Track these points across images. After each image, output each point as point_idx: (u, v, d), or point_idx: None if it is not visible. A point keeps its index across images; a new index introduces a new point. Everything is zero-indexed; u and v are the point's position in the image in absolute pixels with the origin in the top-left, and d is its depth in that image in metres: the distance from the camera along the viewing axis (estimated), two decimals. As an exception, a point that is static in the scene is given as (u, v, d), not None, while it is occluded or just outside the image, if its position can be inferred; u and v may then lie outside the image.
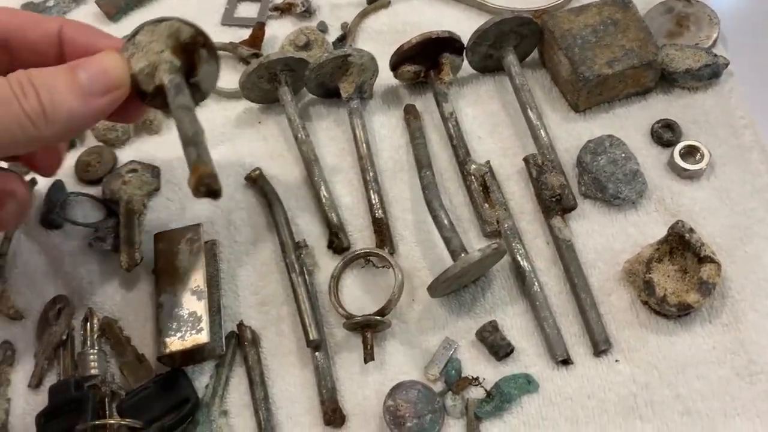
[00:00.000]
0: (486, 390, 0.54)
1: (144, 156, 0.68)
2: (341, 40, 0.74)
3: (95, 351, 0.58)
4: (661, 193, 0.61)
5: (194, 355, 0.57)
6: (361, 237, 0.62)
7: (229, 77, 0.72)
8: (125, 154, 0.69)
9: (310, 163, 0.64)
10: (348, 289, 0.60)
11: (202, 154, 0.42)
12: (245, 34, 0.74)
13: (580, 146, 0.62)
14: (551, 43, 0.65)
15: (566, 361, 0.55)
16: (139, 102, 0.48)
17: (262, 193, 0.64)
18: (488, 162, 0.63)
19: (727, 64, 0.64)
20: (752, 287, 0.56)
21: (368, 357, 0.55)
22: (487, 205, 0.61)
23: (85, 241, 0.63)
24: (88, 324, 0.60)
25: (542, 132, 0.63)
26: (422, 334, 0.57)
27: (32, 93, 0.41)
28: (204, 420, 0.55)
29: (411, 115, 0.66)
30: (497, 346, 0.55)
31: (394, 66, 0.66)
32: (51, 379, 0.58)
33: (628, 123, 0.64)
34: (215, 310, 0.59)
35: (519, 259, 0.58)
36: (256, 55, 0.72)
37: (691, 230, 0.54)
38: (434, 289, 0.56)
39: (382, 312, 0.56)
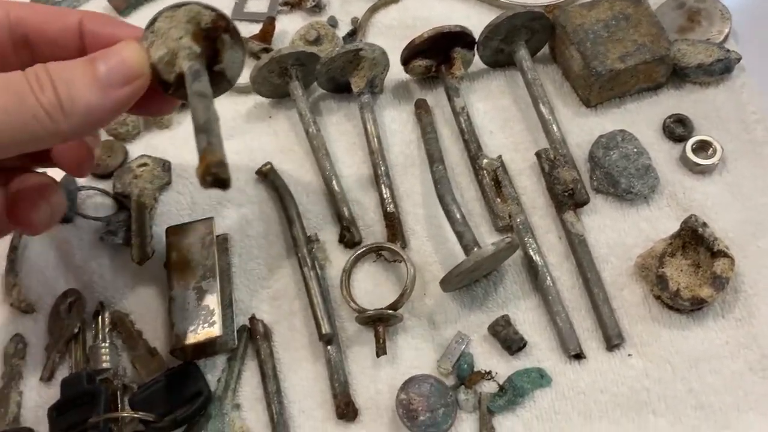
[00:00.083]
0: (499, 384, 0.54)
1: (154, 150, 0.68)
2: (351, 34, 0.74)
3: (107, 344, 0.58)
4: (673, 188, 0.61)
5: (206, 348, 0.57)
6: (372, 231, 0.62)
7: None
8: (136, 149, 0.69)
9: (321, 157, 0.64)
10: (359, 284, 0.60)
11: (213, 141, 0.40)
12: (255, 28, 0.74)
13: (591, 141, 0.62)
14: (563, 38, 0.65)
15: (579, 356, 0.55)
16: (164, 93, 0.46)
17: (273, 187, 0.64)
18: (500, 156, 0.63)
19: (739, 59, 0.64)
20: (765, 282, 0.56)
21: (380, 351, 0.55)
22: (499, 199, 0.61)
23: (97, 235, 0.63)
24: (100, 317, 0.60)
25: (554, 127, 0.62)
26: (434, 329, 0.57)
27: (49, 86, 0.40)
28: (216, 413, 0.55)
29: (422, 109, 0.66)
30: (510, 341, 0.55)
31: (405, 60, 0.66)
32: (62, 373, 0.59)
33: (640, 118, 0.64)
34: (227, 303, 0.59)
35: (531, 253, 0.58)
36: (267, 50, 0.72)
37: (705, 225, 0.54)
38: (447, 284, 0.56)
39: (394, 306, 0.56)
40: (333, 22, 0.75)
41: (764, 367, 0.53)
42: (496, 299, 0.58)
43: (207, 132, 0.40)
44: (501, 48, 0.66)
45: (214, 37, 0.46)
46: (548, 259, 0.59)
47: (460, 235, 0.56)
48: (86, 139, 0.52)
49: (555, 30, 0.66)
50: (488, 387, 0.55)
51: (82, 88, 0.41)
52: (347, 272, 0.59)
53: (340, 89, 0.69)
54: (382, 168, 0.63)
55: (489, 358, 0.56)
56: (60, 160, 0.52)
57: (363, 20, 0.74)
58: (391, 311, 0.55)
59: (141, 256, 0.61)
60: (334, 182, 0.63)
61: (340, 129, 0.68)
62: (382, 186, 0.62)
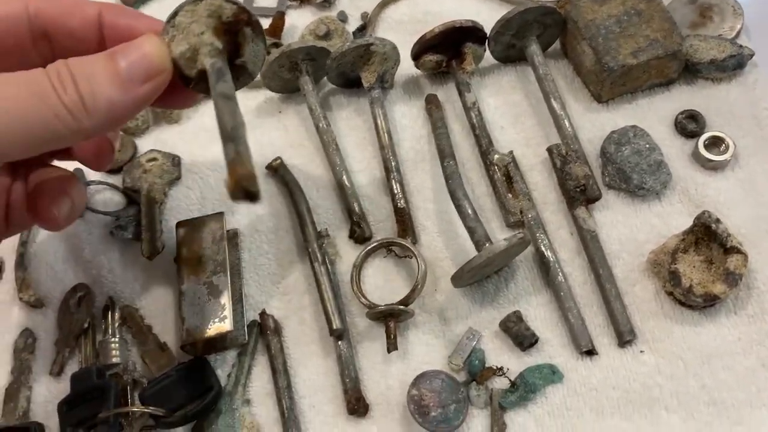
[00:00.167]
0: (510, 380, 0.54)
1: (164, 145, 0.68)
2: (361, 29, 0.74)
3: (116, 339, 0.58)
4: (685, 184, 0.60)
5: (217, 343, 0.57)
6: (382, 227, 0.62)
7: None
8: (145, 143, 0.69)
9: (331, 152, 0.64)
10: (370, 279, 0.60)
11: (242, 151, 0.39)
12: (265, 23, 0.74)
13: (603, 137, 0.62)
14: (574, 33, 0.65)
15: (591, 352, 0.55)
16: (185, 87, 0.46)
17: (283, 182, 0.64)
18: (511, 152, 0.63)
19: (751, 55, 0.64)
20: (778, 278, 0.56)
21: (391, 346, 0.54)
22: (510, 195, 0.61)
23: (107, 230, 0.63)
24: (110, 312, 0.60)
25: (566, 122, 0.62)
26: (445, 324, 0.57)
27: (71, 84, 0.40)
28: (227, 408, 0.55)
29: (433, 104, 0.66)
30: (522, 337, 0.55)
31: (416, 55, 0.66)
32: (72, 367, 0.59)
33: (651, 114, 0.64)
34: (237, 298, 0.59)
35: (543, 249, 0.58)
36: (277, 45, 0.72)
37: (718, 221, 0.54)
38: (458, 279, 0.56)
39: (405, 301, 0.56)
40: (343, 17, 0.75)
41: (777, 363, 0.53)
42: (507, 295, 0.58)
43: (235, 140, 0.39)
44: (512, 43, 0.66)
45: (236, 30, 0.45)
46: (560, 254, 0.59)
47: (471, 231, 0.56)
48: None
49: (566, 25, 0.66)
50: (500, 383, 0.54)
51: (103, 84, 0.40)
52: (358, 267, 0.59)
53: (351, 84, 0.69)
54: (393, 163, 0.63)
55: (500, 354, 0.56)
56: (79, 153, 0.52)
57: (373, 15, 0.74)
58: (402, 307, 0.55)
59: (151, 250, 0.61)
60: (344, 177, 0.63)
61: (351, 124, 0.68)
62: (393, 181, 0.62)
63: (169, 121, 0.70)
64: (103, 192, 0.66)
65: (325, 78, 0.69)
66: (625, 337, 0.54)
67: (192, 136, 0.68)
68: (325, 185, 0.64)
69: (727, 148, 0.60)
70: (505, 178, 0.61)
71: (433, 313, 0.58)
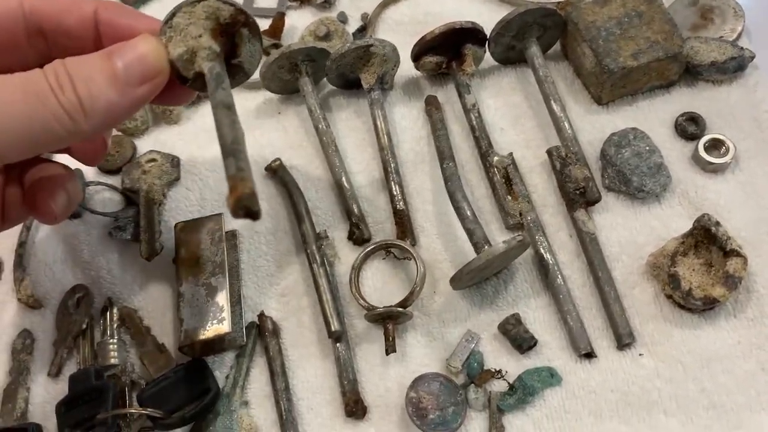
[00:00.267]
0: (509, 383, 0.54)
1: (163, 146, 0.68)
2: (361, 30, 0.74)
3: (115, 340, 0.58)
4: (685, 186, 0.60)
5: (215, 345, 0.56)
6: (381, 228, 0.62)
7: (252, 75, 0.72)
8: (144, 144, 0.69)
9: (330, 153, 0.64)
10: (368, 281, 0.60)
11: (242, 167, 0.38)
12: (265, 24, 0.74)
13: (603, 139, 0.62)
14: (575, 34, 0.64)
15: (589, 355, 0.55)
16: (182, 85, 0.46)
17: (282, 183, 0.64)
18: (511, 154, 0.63)
19: (752, 57, 0.64)
20: (778, 282, 0.56)
21: (390, 349, 0.54)
22: (509, 197, 0.61)
23: (105, 231, 0.63)
24: (108, 313, 0.60)
25: (566, 124, 0.62)
26: (444, 327, 0.57)
27: (68, 85, 0.40)
28: (225, 410, 0.55)
29: (432, 106, 0.66)
30: (520, 339, 0.55)
31: (416, 56, 0.66)
32: (70, 368, 0.58)
33: (652, 116, 0.64)
34: (236, 300, 0.59)
35: (542, 251, 0.58)
36: (276, 46, 0.72)
37: (718, 224, 0.54)
38: (457, 281, 0.55)
39: (403, 303, 0.56)
40: (343, 18, 0.74)
41: (777, 367, 0.53)
42: (506, 297, 0.58)
43: (235, 155, 0.39)
44: (512, 45, 0.66)
45: (233, 31, 0.45)
46: (559, 257, 0.59)
47: (470, 233, 0.56)
48: None
49: (567, 27, 0.65)
50: (498, 386, 0.54)
51: (101, 86, 0.40)
52: (356, 269, 0.59)
53: (350, 85, 0.69)
54: (392, 165, 0.63)
55: (499, 357, 0.56)
56: (73, 149, 0.52)
57: (373, 16, 0.74)
58: (400, 309, 0.55)
59: (149, 252, 0.60)
60: (343, 179, 0.63)
61: (350, 125, 0.68)
62: (392, 183, 0.62)
63: (169, 122, 0.70)
64: (102, 193, 0.66)
65: (325, 79, 0.69)
66: (624, 340, 0.54)
67: (191, 137, 0.68)
68: (325, 186, 0.64)
69: (727, 150, 0.60)
70: (505, 180, 0.61)
71: (431, 316, 0.58)
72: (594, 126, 0.64)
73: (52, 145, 0.41)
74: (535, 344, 0.55)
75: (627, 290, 0.57)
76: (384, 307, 0.55)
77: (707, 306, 0.54)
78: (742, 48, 0.64)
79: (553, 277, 0.57)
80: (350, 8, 0.75)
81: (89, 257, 0.63)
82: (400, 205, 0.61)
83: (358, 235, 0.61)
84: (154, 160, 0.66)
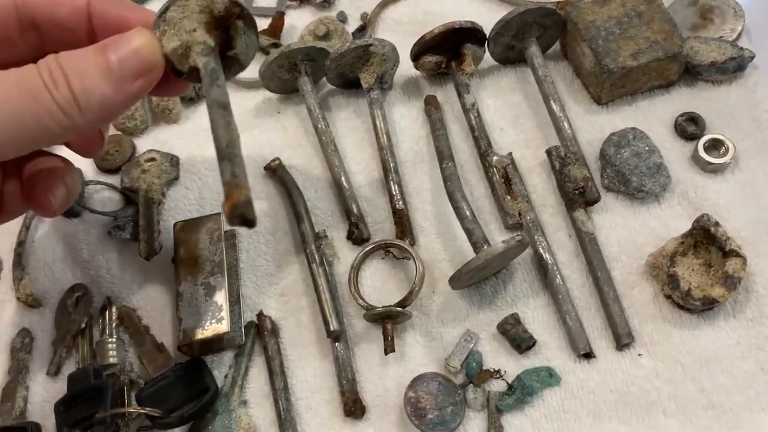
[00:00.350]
0: (507, 383, 0.54)
1: (162, 145, 0.68)
2: (361, 30, 0.74)
3: (114, 340, 0.58)
4: (684, 186, 0.60)
5: (214, 344, 0.56)
6: (380, 228, 0.62)
7: (248, 67, 0.72)
8: (144, 143, 0.69)
9: (329, 153, 0.64)
10: (367, 281, 0.60)
11: (237, 172, 0.38)
12: (264, 23, 0.74)
13: (602, 139, 0.62)
14: (574, 34, 0.64)
15: (588, 355, 0.54)
16: (177, 78, 0.45)
17: (281, 183, 0.64)
18: (510, 154, 0.62)
19: (752, 57, 0.64)
20: (777, 282, 0.56)
21: (388, 348, 0.54)
22: (509, 197, 0.60)
23: (104, 230, 0.63)
24: (107, 312, 0.60)
25: (565, 124, 0.62)
26: (443, 326, 0.57)
27: (62, 81, 0.39)
28: (223, 410, 0.55)
29: (432, 106, 0.66)
30: (519, 339, 0.55)
31: (416, 56, 0.66)
32: (69, 368, 0.58)
33: (651, 116, 0.64)
34: (235, 299, 0.58)
35: (541, 251, 0.58)
36: (276, 45, 0.72)
37: (717, 224, 0.54)
38: (456, 281, 0.55)
39: (402, 303, 0.56)
40: (342, 18, 0.74)
41: (776, 367, 0.53)
42: (505, 297, 0.58)
43: (231, 159, 0.38)
44: (512, 44, 0.66)
45: (228, 24, 0.44)
46: (558, 257, 0.58)
47: (469, 233, 0.56)
48: None
49: (566, 27, 0.65)
50: (497, 386, 0.54)
51: (96, 81, 0.40)
52: (355, 269, 0.59)
53: (350, 85, 0.69)
54: (392, 164, 0.63)
55: (498, 357, 0.55)
56: (70, 141, 0.52)
57: (372, 15, 0.74)
58: (399, 309, 0.55)
59: (148, 251, 0.60)
60: (342, 178, 0.63)
61: (349, 125, 0.68)
62: (391, 183, 0.62)
63: (168, 121, 0.70)
64: (101, 192, 0.66)
65: (324, 78, 0.69)
66: (623, 340, 0.54)
67: (190, 137, 0.68)
68: (324, 186, 0.64)
69: (727, 150, 0.60)
70: (504, 179, 0.61)
71: (430, 315, 0.58)
72: (593, 126, 0.64)
73: (47, 141, 0.41)
74: (534, 344, 0.55)
75: (626, 290, 0.57)
76: (383, 306, 0.55)
77: (706, 306, 0.54)
78: (741, 48, 0.63)
79: (552, 277, 0.57)
80: (350, 8, 0.75)
81: (88, 256, 0.62)
82: (399, 205, 0.61)
83: (357, 234, 0.61)
84: (153, 159, 0.66)
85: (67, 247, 0.63)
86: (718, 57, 0.63)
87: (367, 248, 0.60)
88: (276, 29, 0.73)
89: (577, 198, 0.59)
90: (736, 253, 0.53)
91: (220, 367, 0.57)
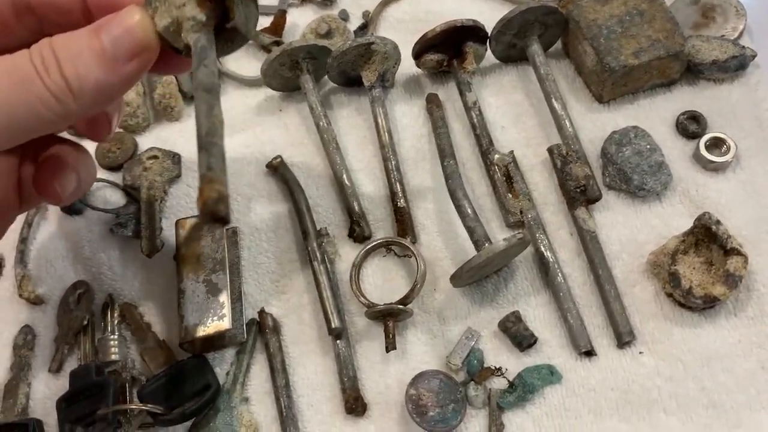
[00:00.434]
0: (508, 380, 0.54)
1: (164, 143, 0.68)
2: (363, 28, 0.74)
3: (116, 337, 0.58)
4: (686, 185, 0.60)
5: (215, 341, 0.56)
6: (382, 226, 0.62)
7: (250, 65, 0.72)
8: (146, 141, 0.69)
9: (331, 151, 0.64)
10: (369, 278, 0.60)
11: (213, 164, 0.35)
12: (266, 21, 0.74)
13: (604, 137, 0.62)
14: (576, 33, 0.64)
15: (589, 353, 0.55)
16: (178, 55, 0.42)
17: (283, 180, 0.64)
18: (512, 152, 0.63)
19: (754, 56, 0.64)
20: (779, 280, 0.56)
21: (390, 346, 0.54)
22: (510, 195, 0.61)
23: (106, 227, 0.63)
24: (109, 310, 0.60)
25: (567, 122, 0.62)
26: (444, 324, 0.57)
27: (54, 67, 0.38)
28: (225, 407, 0.55)
29: (433, 104, 0.66)
30: (520, 337, 0.55)
31: (417, 54, 0.66)
32: (71, 364, 0.59)
33: (653, 114, 0.64)
34: (236, 297, 0.59)
35: (542, 249, 0.58)
36: (278, 43, 0.72)
37: (718, 222, 0.54)
38: (457, 279, 0.55)
39: (404, 301, 0.56)
40: (344, 16, 0.75)
41: (777, 366, 0.53)
42: (506, 295, 0.58)
43: (208, 149, 0.36)
44: (513, 43, 0.66)
45: None
46: (559, 255, 0.59)
47: (471, 231, 0.56)
48: None
49: (568, 25, 0.65)
50: (498, 383, 0.54)
51: (89, 65, 0.39)
52: (357, 267, 0.59)
53: (351, 83, 0.69)
54: (393, 162, 0.63)
55: (499, 355, 0.56)
56: (77, 125, 0.51)
57: (374, 14, 0.74)
58: (400, 306, 0.55)
59: (150, 248, 0.61)
60: (344, 176, 0.63)
61: (351, 123, 0.68)
62: (393, 180, 0.62)
63: (170, 119, 0.70)
64: (104, 189, 0.66)
65: (326, 76, 0.69)
66: (624, 338, 0.54)
67: (192, 134, 0.66)
68: (325, 184, 0.64)
69: (728, 149, 0.60)
70: (506, 178, 0.61)
71: (432, 313, 0.58)
72: (595, 124, 0.64)
73: (42, 129, 0.40)
74: (535, 342, 0.55)
75: (627, 288, 0.57)
76: (384, 304, 0.55)
77: (707, 304, 0.54)
78: (743, 47, 0.63)
79: (553, 275, 0.57)
80: (351, 6, 0.76)
81: (90, 254, 0.63)
82: (401, 203, 0.61)
83: (358, 232, 0.61)
84: (155, 157, 0.66)
85: (70, 245, 0.63)
86: (720, 56, 0.63)
87: (369, 246, 0.60)
88: (278, 27, 0.73)
89: (578, 196, 0.59)
90: (737, 252, 0.53)
91: (222, 364, 0.57)
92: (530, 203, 0.60)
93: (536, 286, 0.58)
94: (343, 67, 0.66)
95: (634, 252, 0.58)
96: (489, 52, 0.67)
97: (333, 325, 0.56)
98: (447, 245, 0.60)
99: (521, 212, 0.60)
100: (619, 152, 0.60)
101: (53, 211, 0.65)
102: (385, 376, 0.56)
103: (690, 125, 0.62)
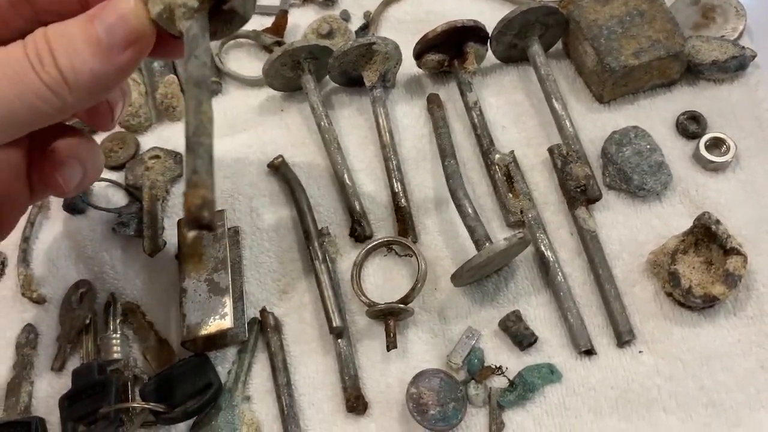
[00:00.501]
0: (509, 379, 0.54)
1: (166, 142, 0.68)
2: (364, 28, 0.74)
3: (118, 335, 0.58)
4: (686, 185, 0.60)
5: (217, 340, 0.57)
6: (383, 225, 0.62)
7: (252, 65, 0.72)
8: (148, 141, 0.69)
9: (332, 151, 0.64)
10: (370, 278, 0.60)
11: (199, 166, 0.33)
12: (268, 21, 0.74)
13: (604, 137, 0.62)
14: (576, 33, 0.65)
15: (589, 352, 0.55)
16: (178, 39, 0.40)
17: (284, 180, 0.64)
18: (512, 152, 0.63)
19: (754, 56, 0.64)
20: (778, 280, 0.56)
21: (391, 345, 0.55)
22: (510, 195, 0.61)
23: (109, 227, 0.63)
24: (111, 308, 0.60)
25: (567, 122, 0.62)
26: (445, 323, 0.57)
27: (49, 59, 0.37)
28: (226, 405, 0.55)
29: (434, 104, 0.66)
30: (521, 336, 0.55)
31: (418, 54, 0.66)
32: (73, 363, 0.59)
33: (653, 114, 0.64)
34: (238, 296, 0.59)
35: (543, 249, 0.58)
36: (279, 43, 0.72)
37: (718, 222, 0.54)
38: (458, 278, 0.56)
39: (404, 300, 0.56)
40: (345, 16, 0.75)
41: (776, 365, 0.53)
42: (507, 294, 0.58)
43: (195, 150, 0.34)
44: (514, 43, 0.66)
45: None
46: (560, 254, 0.59)
47: (471, 230, 0.56)
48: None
49: (569, 25, 0.66)
50: (498, 382, 0.54)
51: (83, 56, 0.38)
52: (358, 266, 0.59)
53: (353, 83, 0.69)
54: (394, 162, 0.63)
55: (499, 354, 0.56)
56: (79, 115, 0.50)
57: (375, 14, 0.74)
58: (401, 305, 0.55)
59: (153, 247, 0.61)
60: (345, 176, 0.63)
61: (352, 123, 0.68)
62: (394, 180, 0.62)
63: (172, 118, 0.70)
64: (106, 189, 0.66)
65: (328, 77, 0.69)
66: (624, 337, 0.54)
67: None
68: (327, 184, 0.65)
69: (728, 149, 0.60)
70: (506, 177, 0.62)
71: (432, 312, 0.58)
72: (595, 124, 0.64)
73: (40, 122, 0.39)
74: (535, 341, 0.55)
75: (627, 288, 0.57)
76: (385, 303, 0.55)
77: (707, 304, 0.54)
78: (743, 47, 0.64)
79: (553, 275, 0.57)
80: (353, 6, 0.76)
81: (93, 253, 0.63)
82: (402, 203, 0.62)
83: (359, 232, 0.61)
84: (157, 156, 0.66)
85: (72, 244, 0.64)
86: (720, 56, 0.63)
87: (370, 245, 0.60)
88: (279, 27, 0.74)
89: (578, 196, 0.59)
90: (736, 251, 0.53)
91: (224, 363, 0.57)
92: (531, 203, 0.60)
93: (536, 286, 0.58)
94: (344, 67, 0.66)
95: (634, 251, 0.58)
96: (490, 53, 0.67)
97: (334, 324, 0.56)
98: (448, 245, 0.61)
99: (522, 212, 0.60)
100: (619, 152, 0.60)
101: (56, 211, 0.65)
102: (386, 374, 0.56)
103: (690, 125, 0.62)
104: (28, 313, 0.61)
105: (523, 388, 0.53)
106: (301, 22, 0.75)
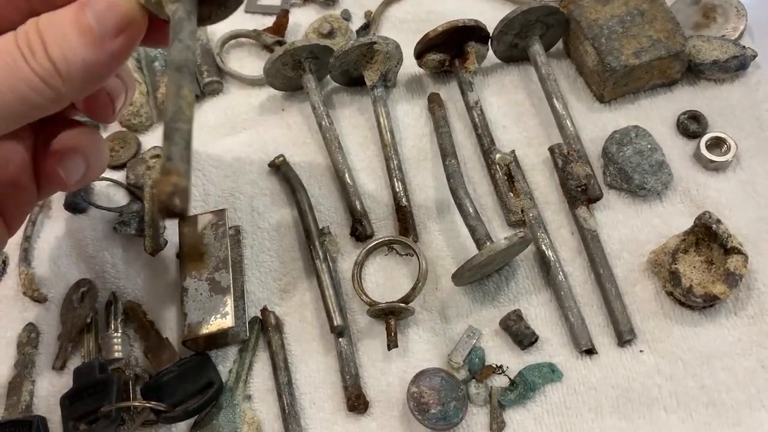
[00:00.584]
0: (510, 378, 0.54)
1: (167, 142, 0.68)
2: (365, 28, 0.74)
3: (119, 334, 0.58)
4: (686, 184, 0.60)
5: (218, 339, 0.57)
6: (384, 225, 0.62)
7: (253, 64, 0.73)
8: (149, 140, 0.69)
9: (333, 150, 0.64)
10: (371, 277, 0.60)
11: (173, 153, 0.32)
12: (269, 21, 0.74)
13: (605, 137, 0.62)
14: (577, 33, 0.65)
15: (590, 351, 0.55)
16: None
17: (285, 179, 0.64)
18: (513, 151, 0.63)
19: (754, 56, 0.64)
20: (779, 279, 0.56)
21: (392, 344, 0.55)
22: (511, 194, 0.61)
23: (110, 226, 0.63)
24: (112, 307, 0.60)
25: (568, 122, 0.62)
26: (445, 322, 0.57)
27: (40, 49, 0.37)
28: (227, 404, 0.55)
29: (435, 103, 0.66)
30: (522, 335, 0.55)
31: (419, 54, 0.66)
32: (75, 362, 0.59)
33: (654, 114, 0.64)
34: (239, 295, 0.59)
35: (544, 248, 0.58)
36: (280, 43, 0.72)
37: (718, 221, 0.54)
38: (459, 278, 0.56)
39: (405, 299, 0.56)
40: (346, 16, 0.75)
41: (777, 364, 0.53)
42: (507, 294, 0.58)
43: (171, 136, 0.33)
44: (515, 43, 0.66)
45: None
46: (560, 254, 0.59)
47: (472, 230, 0.56)
48: (108, 85, 0.47)
49: (569, 25, 0.66)
50: (499, 381, 0.55)
51: (75, 45, 0.37)
52: (359, 265, 0.59)
53: (354, 82, 0.69)
54: (395, 161, 0.63)
55: (500, 353, 0.56)
56: (79, 106, 0.49)
57: (376, 14, 0.74)
58: (402, 304, 0.55)
59: (154, 246, 0.61)
60: (346, 175, 0.63)
61: (353, 122, 0.68)
62: (395, 179, 0.63)
63: (173, 118, 0.70)
64: (107, 188, 0.66)
65: (329, 76, 0.69)
66: (624, 336, 0.54)
67: (195, 134, 0.68)
68: (328, 183, 0.65)
69: (728, 149, 0.60)
70: (507, 177, 0.62)
71: (433, 311, 0.58)
72: (596, 124, 0.64)
73: (34, 114, 0.39)
74: (536, 340, 0.55)
75: (628, 287, 0.57)
76: (386, 302, 0.56)
77: (708, 303, 0.54)
78: (744, 47, 0.64)
79: (554, 274, 0.57)
80: (354, 6, 0.76)
81: (94, 252, 0.63)
82: (403, 202, 0.62)
83: (360, 231, 0.61)
84: (158, 155, 0.66)
85: (73, 243, 0.64)
86: (721, 56, 0.63)
87: (371, 245, 0.60)
88: (280, 27, 0.74)
89: (579, 195, 0.59)
90: (737, 251, 0.53)
91: (225, 362, 0.57)
92: (531, 202, 0.60)
93: (537, 285, 0.58)
94: (345, 67, 0.66)
95: (635, 251, 0.58)
96: (490, 52, 0.68)
97: (335, 323, 0.56)
98: (448, 244, 0.61)
99: (522, 211, 0.60)
100: (620, 152, 0.60)
101: (57, 210, 0.65)
102: (387, 373, 0.56)
103: (690, 125, 0.62)
104: (30, 312, 0.61)
105: (523, 387, 0.53)
106: (302, 21, 0.75)
